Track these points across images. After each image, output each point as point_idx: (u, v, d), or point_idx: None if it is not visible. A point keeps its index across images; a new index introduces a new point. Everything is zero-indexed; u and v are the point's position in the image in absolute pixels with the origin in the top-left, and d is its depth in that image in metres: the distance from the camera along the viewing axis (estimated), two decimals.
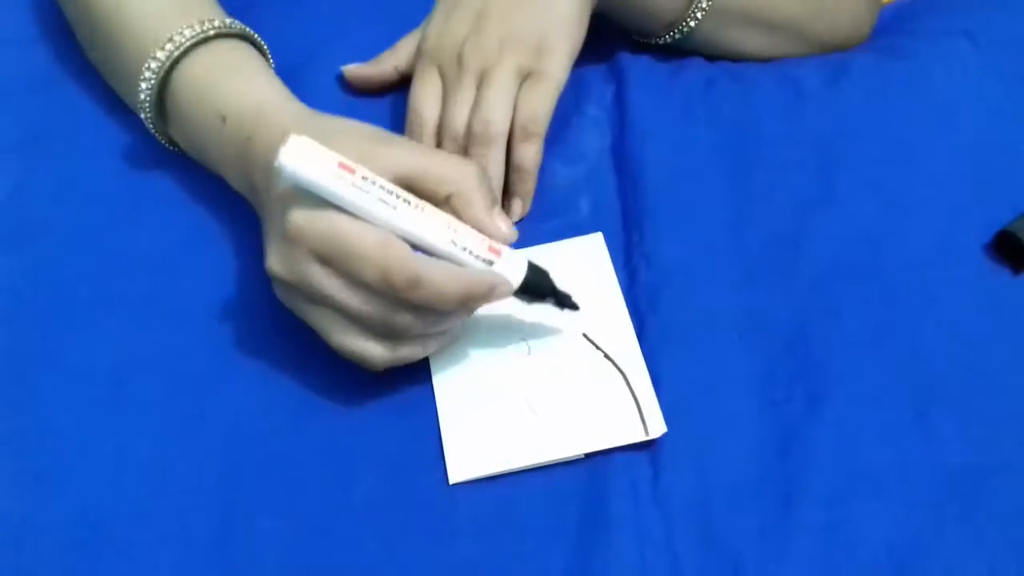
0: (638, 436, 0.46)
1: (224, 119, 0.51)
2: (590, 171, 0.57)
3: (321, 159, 0.42)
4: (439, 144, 0.54)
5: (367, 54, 0.61)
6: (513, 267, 0.46)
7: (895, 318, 0.50)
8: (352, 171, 0.42)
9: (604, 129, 0.58)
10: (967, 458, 0.46)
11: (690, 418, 0.48)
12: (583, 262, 0.52)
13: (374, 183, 0.43)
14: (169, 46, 0.53)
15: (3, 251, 0.55)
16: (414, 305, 0.44)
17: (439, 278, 0.43)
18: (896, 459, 0.46)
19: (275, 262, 0.45)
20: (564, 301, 0.49)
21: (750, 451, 0.47)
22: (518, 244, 0.51)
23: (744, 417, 0.48)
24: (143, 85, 0.53)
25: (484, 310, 0.49)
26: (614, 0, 0.57)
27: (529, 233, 0.54)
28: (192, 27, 0.53)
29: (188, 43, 0.53)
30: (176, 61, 0.53)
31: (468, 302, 0.45)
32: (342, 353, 0.45)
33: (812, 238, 0.53)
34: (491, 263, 0.45)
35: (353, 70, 0.60)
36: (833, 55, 0.63)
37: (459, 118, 0.53)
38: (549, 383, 0.48)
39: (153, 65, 0.53)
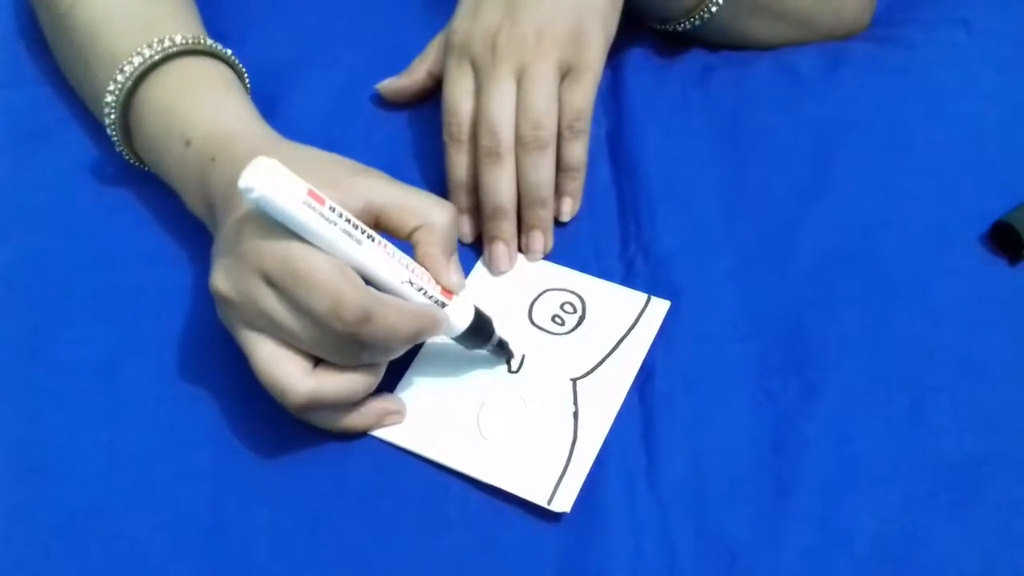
0: (541, 500, 0.44)
1: (188, 143, 0.50)
2: None
3: (290, 185, 0.40)
4: (475, 140, 0.52)
5: (352, 66, 0.61)
6: (463, 311, 0.46)
7: (891, 308, 0.50)
8: (322, 201, 0.41)
9: (599, 117, 0.58)
10: (962, 448, 0.46)
11: (685, 407, 0.48)
12: (632, 316, 0.51)
13: (341, 215, 0.42)
14: (128, 68, 0.52)
15: None
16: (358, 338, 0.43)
17: (390, 314, 0.42)
18: (891, 449, 0.46)
19: (221, 279, 0.43)
20: (503, 348, 0.49)
21: (745, 441, 0.46)
22: (583, 266, 0.53)
23: (739, 407, 0.48)
24: (106, 109, 0.52)
25: (495, 312, 0.49)
26: None
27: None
28: (151, 46, 0.52)
29: (146, 64, 0.51)
30: (138, 82, 0.52)
31: (414, 338, 0.44)
32: (264, 381, 0.44)
33: (808, 227, 0.53)
34: (444, 305, 0.45)
35: (388, 84, 0.59)
36: (830, 43, 0.62)
37: (497, 112, 0.51)
38: (508, 406, 0.48)
39: (112, 88, 0.52)
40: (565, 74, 0.52)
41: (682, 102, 0.59)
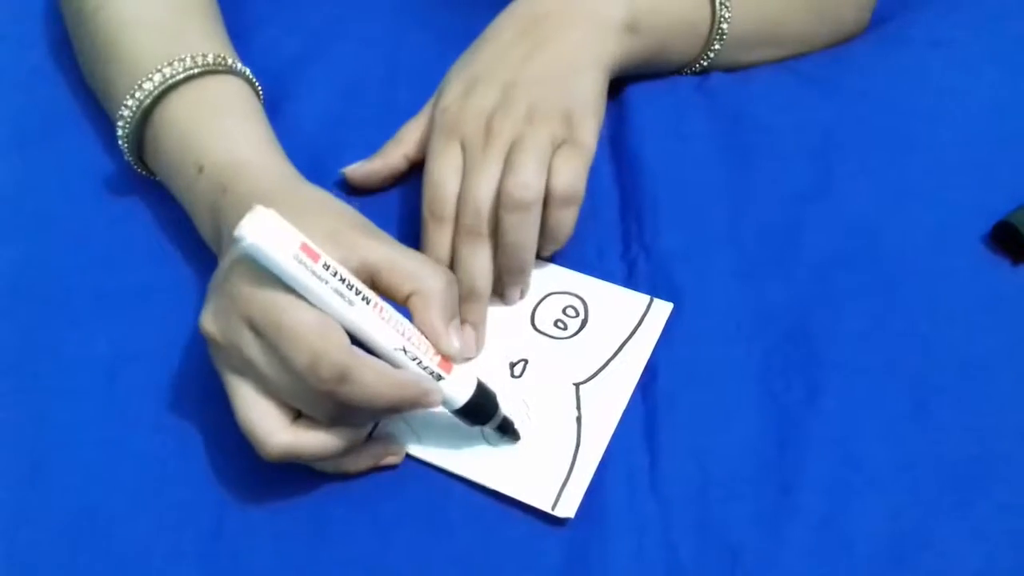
0: (545, 506, 0.44)
1: (201, 169, 0.49)
2: None
3: (284, 238, 0.40)
4: (458, 218, 0.50)
5: (356, 66, 0.61)
6: (462, 385, 0.44)
7: (894, 308, 0.50)
8: (316, 257, 0.40)
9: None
10: (966, 448, 0.46)
11: (688, 407, 0.47)
12: (635, 319, 0.51)
13: (335, 273, 0.41)
14: (148, 85, 0.51)
15: (1, 243, 0.55)
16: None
17: (370, 378, 0.41)
18: (894, 449, 0.46)
19: (209, 320, 0.43)
20: (506, 429, 0.46)
21: (748, 441, 0.46)
22: (585, 267, 0.52)
23: (742, 407, 0.48)
24: (120, 122, 0.52)
25: (497, 316, 0.49)
26: (629, 67, 0.57)
27: None
28: (172, 65, 0.51)
29: (166, 84, 0.51)
30: (156, 100, 0.51)
31: (399, 407, 0.43)
32: (242, 428, 0.43)
33: (811, 228, 0.53)
34: (440, 378, 0.44)
35: (355, 169, 0.56)
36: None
37: (483, 190, 0.49)
38: (511, 411, 0.47)
39: (130, 103, 0.51)
40: (558, 147, 0.51)
41: (684, 102, 0.59)
